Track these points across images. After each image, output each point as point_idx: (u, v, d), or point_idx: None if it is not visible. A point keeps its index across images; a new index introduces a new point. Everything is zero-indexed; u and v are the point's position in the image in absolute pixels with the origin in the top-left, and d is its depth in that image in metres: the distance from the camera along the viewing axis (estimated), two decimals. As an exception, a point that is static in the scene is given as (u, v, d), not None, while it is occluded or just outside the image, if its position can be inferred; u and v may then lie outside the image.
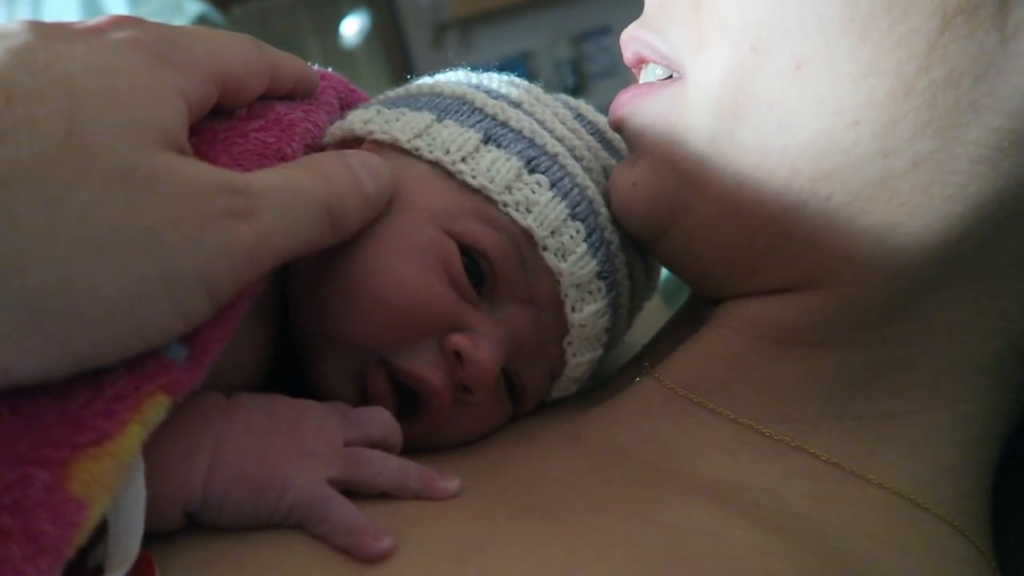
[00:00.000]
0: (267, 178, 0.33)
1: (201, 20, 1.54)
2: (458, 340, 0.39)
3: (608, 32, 3.96)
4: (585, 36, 4.02)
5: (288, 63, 0.42)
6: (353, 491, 0.34)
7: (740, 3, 0.38)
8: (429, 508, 0.35)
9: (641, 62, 0.46)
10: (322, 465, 0.34)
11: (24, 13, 1.54)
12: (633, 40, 0.45)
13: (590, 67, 4.01)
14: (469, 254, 0.41)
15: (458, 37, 3.98)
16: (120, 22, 0.33)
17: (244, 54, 0.38)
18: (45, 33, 0.30)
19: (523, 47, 3.98)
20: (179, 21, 1.42)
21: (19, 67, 0.27)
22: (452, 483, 0.36)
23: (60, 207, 0.26)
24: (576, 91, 4.01)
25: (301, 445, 0.34)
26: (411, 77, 0.51)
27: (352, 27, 4.21)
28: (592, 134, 0.47)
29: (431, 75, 0.51)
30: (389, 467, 0.35)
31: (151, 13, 1.48)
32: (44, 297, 0.26)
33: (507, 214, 0.41)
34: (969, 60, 0.34)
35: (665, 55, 0.43)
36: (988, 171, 0.35)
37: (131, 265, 0.27)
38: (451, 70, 0.50)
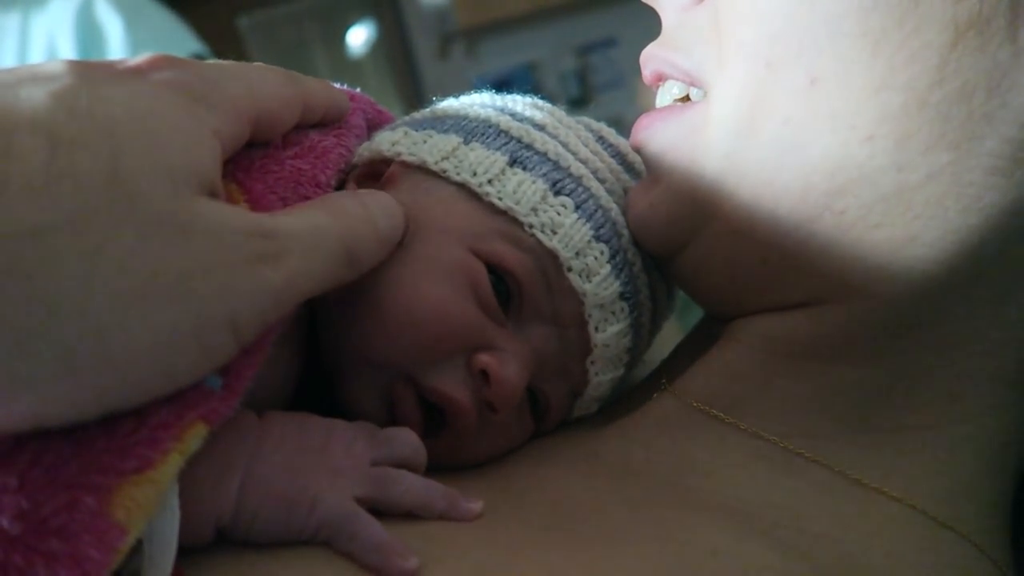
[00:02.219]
0: (292, 220, 0.34)
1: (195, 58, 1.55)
2: (485, 359, 0.40)
3: (613, 44, 3.97)
4: (590, 48, 4.04)
5: (319, 93, 0.42)
6: (379, 510, 0.35)
7: (755, 20, 0.39)
8: (453, 528, 0.36)
9: (660, 80, 0.47)
10: (350, 484, 0.35)
11: (13, 28, 1.54)
12: (653, 58, 0.46)
13: (595, 78, 4.03)
14: (496, 274, 0.41)
15: (464, 47, 4.00)
16: (160, 63, 0.33)
17: (278, 89, 0.38)
18: (88, 75, 0.30)
19: (529, 58, 4.00)
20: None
21: (63, 112, 0.27)
22: (476, 504, 0.37)
23: (98, 257, 0.26)
24: (581, 102, 4.03)
25: (330, 464, 0.35)
26: (421, 85, 0.52)
27: (359, 37, 4.24)
28: (613, 156, 0.48)
29: (448, 91, 0.51)
30: (415, 487, 0.36)
31: (146, 40, 1.49)
32: (79, 347, 0.26)
33: (533, 235, 0.42)
34: (982, 73, 0.34)
35: (688, 72, 0.44)
36: (1003, 182, 0.35)
37: (164, 313, 0.28)
38: (475, 92, 0.51)
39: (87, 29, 1.51)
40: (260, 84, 0.37)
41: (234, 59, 0.39)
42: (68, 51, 1.50)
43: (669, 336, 0.59)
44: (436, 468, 0.39)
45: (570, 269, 0.42)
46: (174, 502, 0.31)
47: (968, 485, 0.41)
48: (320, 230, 0.34)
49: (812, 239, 0.38)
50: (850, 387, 0.40)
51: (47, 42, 1.52)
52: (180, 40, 1.60)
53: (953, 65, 0.34)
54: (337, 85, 0.47)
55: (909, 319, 0.39)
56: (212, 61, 0.37)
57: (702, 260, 0.43)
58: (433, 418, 0.41)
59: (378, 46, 4.20)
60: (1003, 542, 0.42)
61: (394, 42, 4.11)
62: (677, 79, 0.45)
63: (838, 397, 0.41)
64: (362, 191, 0.40)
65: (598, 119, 0.52)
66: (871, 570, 0.37)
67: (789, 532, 0.38)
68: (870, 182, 0.36)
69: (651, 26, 0.47)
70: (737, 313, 0.44)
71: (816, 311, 0.40)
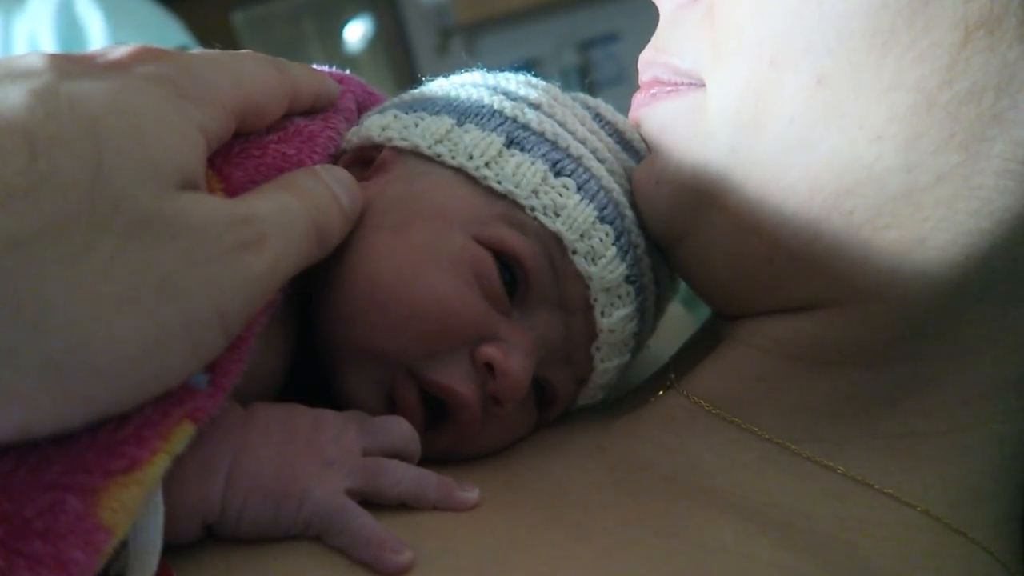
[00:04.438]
0: (263, 203, 0.33)
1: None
2: (490, 352, 0.38)
3: (615, 39, 3.96)
4: (592, 43, 4.03)
5: (307, 82, 0.41)
6: (371, 501, 0.34)
7: (757, 17, 0.37)
8: (448, 519, 0.35)
9: (658, 84, 0.46)
10: (340, 475, 0.34)
11: None
12: (650, 64, 0.45)
13: (597, 74, 4.01)
14: (502, 261, 0.40)
15: (463, 43, 3.99)
16: (142, 55, 0.32)
17: (265, 80, 0.37)
18: (67, 70, 0.29)
19: (529, 54, 3.98)
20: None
21: (42, 111, 0.26)
22: (471, 493, 0.36)
23: (82, 263, 0.25)
24: (581, 98, 4.02)
25: (319, 455, 0.34)
26: (419, 82, 0.50)
27: (356, 32, 4.23)
28: (611, 135, 0.47)
29: (444, 76, 0.50)
30: (408, 477, 0.35)
31: (130, 35, 1.46)
32: (65, 356, 0.25)
33: (535, 219, 0.40)
34: (991, 73, 0.33)
35: (684, 72, 0.43)
36: (1014, 186, 0.34)
37: (152, 315, 0.27)
38: (466, 71, 0.49)
39: (67, 26, 1.49)
40: (246, 75, 0.36)
41: (225, 57, 0.37)
42: (50, 50, 1.48)
43: (680, 327, 0.58)
44: (436, 461, 0.38)
45: (575, 252, 0.41)
46: (158, 499, 0.30)
47: (979, 491, 0.40)
48: (290, 210, 0.34)
49: (820, 239, 0.37)
50: (860, 391, 0.40)
51: (28, 42, 1.51)
52: (166, 33, 1.56)
53: (962, 65, 0.33)
54: (326, 67, 0.46)
55: (920, 323, 0.38)
56: (197, 51, 0.36)
57: (705, 252, 0.42)
58: (435, 411, 0.39)
59: (376, 42, 4.19)
60: (1015, 548, 0.41)
61: (392, 38, 4.11)
62: (676, 82, 0.44)
63: (848, 401, 0.40)
64: (318, 166, 0.39)
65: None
66: (882, 574, 0.36)
67: (799, 532, 0.37)
68: (878, 183, 0.35)
69: (653, 21, 0.46)
70: (743, 312, 0.43)
71: (825, 314, 0.39)
